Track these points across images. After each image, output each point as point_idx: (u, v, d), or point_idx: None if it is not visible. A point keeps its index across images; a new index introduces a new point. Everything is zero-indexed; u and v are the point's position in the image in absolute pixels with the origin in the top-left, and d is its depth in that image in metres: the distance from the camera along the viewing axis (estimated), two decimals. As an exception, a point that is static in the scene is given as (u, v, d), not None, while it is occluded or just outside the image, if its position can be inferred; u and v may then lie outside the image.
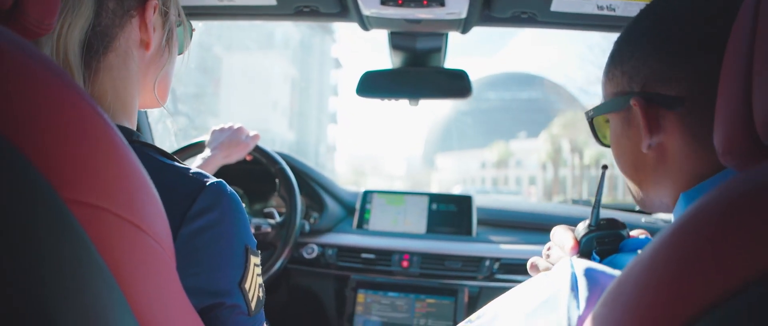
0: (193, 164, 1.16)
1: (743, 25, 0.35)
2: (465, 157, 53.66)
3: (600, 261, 0.53)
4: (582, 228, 0.58)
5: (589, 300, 0.45)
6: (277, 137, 32.03)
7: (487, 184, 46.37)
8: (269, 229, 1.35)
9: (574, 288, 0.47)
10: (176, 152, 1.34)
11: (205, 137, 1.26)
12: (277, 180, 1.38)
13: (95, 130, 0.33)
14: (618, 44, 0.53)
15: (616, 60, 0.52)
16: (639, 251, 0.45)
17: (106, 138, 0.34)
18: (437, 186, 52.80)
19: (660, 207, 0.53)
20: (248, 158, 1.30)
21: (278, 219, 1.37)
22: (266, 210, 1.37)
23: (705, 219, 0.29)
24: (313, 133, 39.96)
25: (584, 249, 0.57)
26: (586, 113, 0.56)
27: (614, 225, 0.57)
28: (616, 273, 0.48)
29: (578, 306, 0.45)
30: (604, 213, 0.58)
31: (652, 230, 0.61)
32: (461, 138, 59.30)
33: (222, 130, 1.25)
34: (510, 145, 46.93)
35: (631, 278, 0.32)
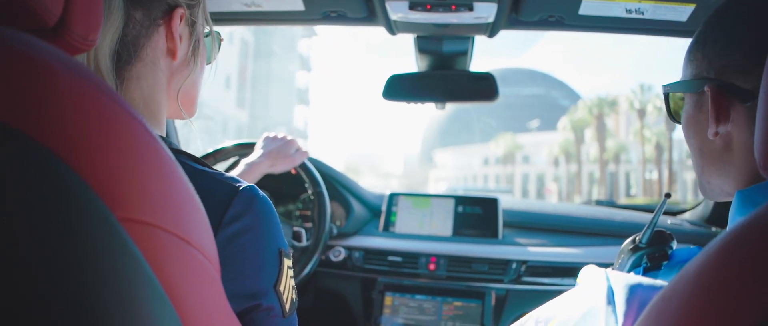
0: (237, 169, 1.17)
1: None
2: (466, 152, 52.23)
3: (642, 274, 0.54)
4: (628, 244, 0.60)
5: (627, 315, 0.46)
6: (222, 115, 28.41)
7: (491, 183, 45.18)
8: (292, 252, 1.34)
9: (611, 301, 0.47)
10: (224, 149, 1.36)
11: (258, 140, 1.27)
12: (311, 197, 1.37)
13: (146, 148, 0.34)
14: (705, 26, 0.52)
15: (701, 42, 0.51)
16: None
17: (156, 155, 0.35)
18: (435, 185, 51.94)
19: (720, 195, 0.53)
20: (293, 172, 1.30)
21: (305, 242, 1.34)
22: (296, 228, 1.35)
23: (754, 237, 0.29)
24: (275, 113, 35.55)
25: (634, 264, 0.58)
26: (663, 87, 0.56)
27: (663, 239, 0.58)
28: (653, 283, 0.48)
29: (616, 321, 0.46)
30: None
31: (677, 232, 0.62)
32: (462, 133, 59.03)
33: (274, 138, 1.25)
34: (517, 138, 45.38)
35: (676, 294, 0.32)
